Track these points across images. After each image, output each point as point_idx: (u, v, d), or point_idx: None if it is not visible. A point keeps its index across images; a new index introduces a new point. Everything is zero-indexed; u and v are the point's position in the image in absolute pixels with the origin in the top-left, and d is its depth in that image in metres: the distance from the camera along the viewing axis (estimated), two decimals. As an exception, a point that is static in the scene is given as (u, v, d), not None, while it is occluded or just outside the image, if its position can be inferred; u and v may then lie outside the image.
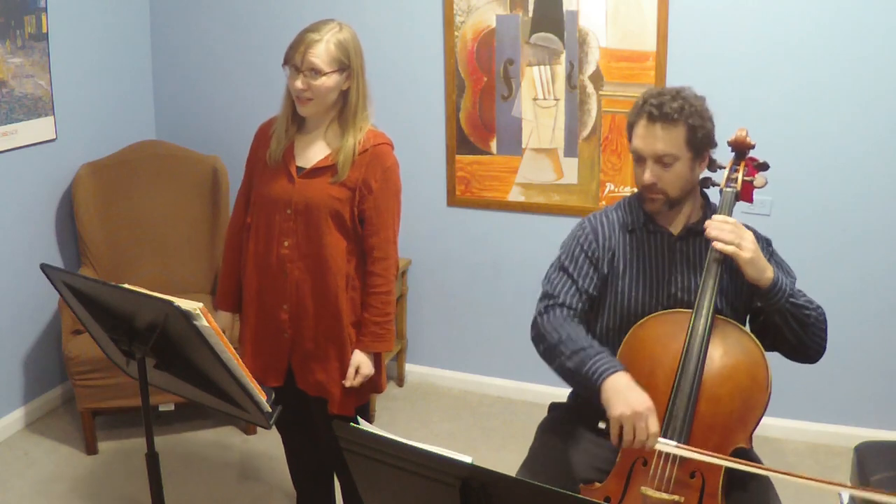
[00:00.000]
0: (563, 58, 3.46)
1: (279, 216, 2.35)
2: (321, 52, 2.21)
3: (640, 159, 1.99)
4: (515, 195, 3.66)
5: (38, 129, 3.50)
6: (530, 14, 3.46)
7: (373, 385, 2.48)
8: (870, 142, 3.18)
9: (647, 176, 1.96)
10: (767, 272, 1.88)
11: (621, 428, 1.77)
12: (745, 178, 2.04)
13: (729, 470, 1.81)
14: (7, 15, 3.29)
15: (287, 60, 2.25)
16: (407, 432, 3.39)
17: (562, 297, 2.04)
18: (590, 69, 3.43)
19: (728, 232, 1.88)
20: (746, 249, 1.86)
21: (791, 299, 1.91)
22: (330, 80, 2.24)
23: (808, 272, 3.31)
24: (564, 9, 3.40)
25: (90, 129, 3.79)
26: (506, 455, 3.18)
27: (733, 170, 2.05)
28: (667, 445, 1.78)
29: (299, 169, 2.35)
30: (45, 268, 1.91)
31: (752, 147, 2.07)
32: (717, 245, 1.88)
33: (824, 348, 2.02)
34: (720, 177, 2.07)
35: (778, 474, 1.78)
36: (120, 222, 3.70)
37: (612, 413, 1.78)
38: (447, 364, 3.97)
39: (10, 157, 3.40)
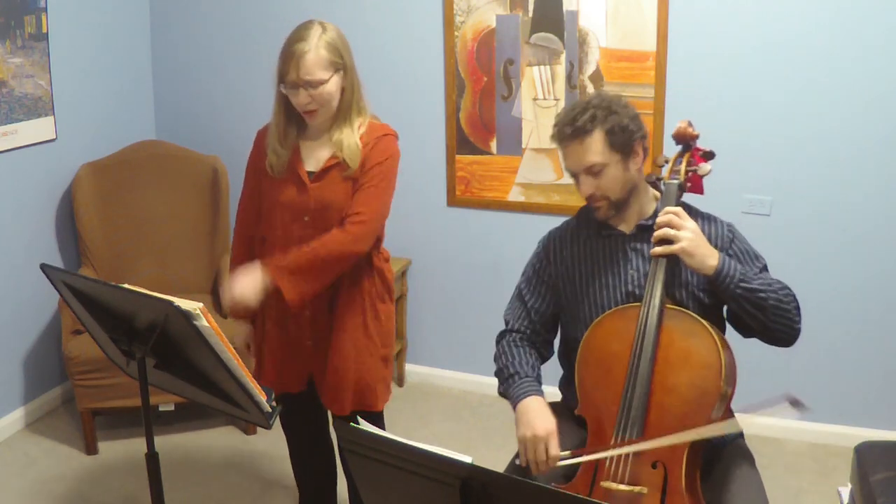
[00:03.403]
0: (563, 58, 3.46)
1: (296, 225, 2.31)
2: (314, 61, 2.18)
3: (574, 175, 2.05)
4: (515, 195, 3.66)
5: (38, 129, 3.50)
6: (530, 14, 3.46)
7: (369, 397, 2.43)
8: (870, 142, 3.17)
9: (585, 188, 2.02)
10: (709, 260, 1.87)
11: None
12: (689, 169, 2.04)
13: (693, 455, 1.81)
14: (7, 15, 3.29)
15: (282, 78, 2.21)
16: (407, 432, 3.39)
17: (511, 322, 2.19)
18: (590, 69, 3.43)
19: (660, 228, 1.90)
20: (679, 240, 1.87)
21: (742, 284, 1.88)
22: (331, 86, 2.22)
23: (808, 272, 3.32)
24: (564, 9, 3.40)
25: (90, 129, 3.79)
26: (506, 455, 3.17)
27: (677, 162, 2.07)
28: (568, 460, 1.88)
29: (310, 174, 2.30)
30: (45, 268, 1.92)
31: (696, 137, 2.07)
32: (653, 250, 1.93)
33: (796, 331, 1.97)
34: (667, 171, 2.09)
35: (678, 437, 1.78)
36: (120, 222, 3.70)
37: (517, 434, 1.94)
38: (447, 364, 3.97)
39: (10, 157, 3.40)
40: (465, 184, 3.72)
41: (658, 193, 2.11)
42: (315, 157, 2.32)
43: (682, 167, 2.04)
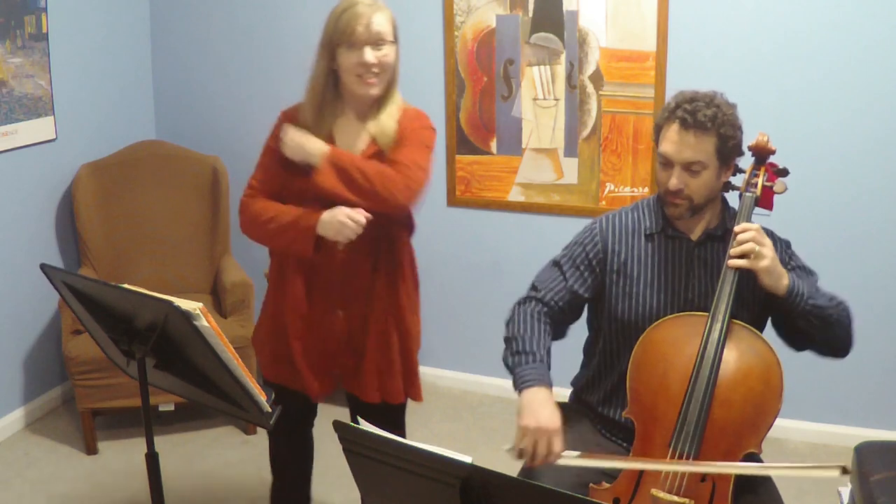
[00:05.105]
0: (563, 58, 3.46)
1: None
2: (385, 19, 2.12)
3: (667, 164, 1.97)
4: (515, 195, 3.66)
5: (38, 129, 3.50)
6: (530, 14, 3.46)
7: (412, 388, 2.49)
8: (870, 141, 3.17)
9: (674, 182, 1.95)
10: (783, 280, 1.88)
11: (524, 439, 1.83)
12: (765, 184, 2.02)
13: (739, 473, 1.81)
14: (7, 15, 3.29)
15: (347, 37, 2.09)
16: (407, 432, 3.39)
17: (543, 291, 2.07)
18: (590, 69, 3.43)
19: (746, 243, 1.86)
20: (763, 258, 1.85)
21: (811, 301, 1.90)
22: (394, 51, 2.15)
23: (808, 272, 3.32)
24: (564, 9, 3.40)
25: (90, 129, 3.79)
26: (506, 455, 3.18)
27: (753, 174, 2.03)
28: (570, 459, 1.83)
29: None
30: (45, 268, 1.91)
31: (773, 152, 2.05)
32: (732, 262, 1.87)
33: (852, 342, 2.01)
34: (739, 181, 2.06)
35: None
36: (120, 222, 3.70)
37: (519, 422, 1.85)
38: (447, 364, 3.97)
39: (10, 157, 3.40)
40: (465, 184, 3.72)
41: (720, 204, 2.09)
42: (349, 144, 2.22)
43: (759, 181, 2.02)
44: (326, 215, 2.13)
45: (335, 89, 2.21)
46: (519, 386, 1.92)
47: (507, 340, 2.04)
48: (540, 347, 1.98)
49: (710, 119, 1.91)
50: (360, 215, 2.12)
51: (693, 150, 1.92)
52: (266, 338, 2.42)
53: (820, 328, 1.93)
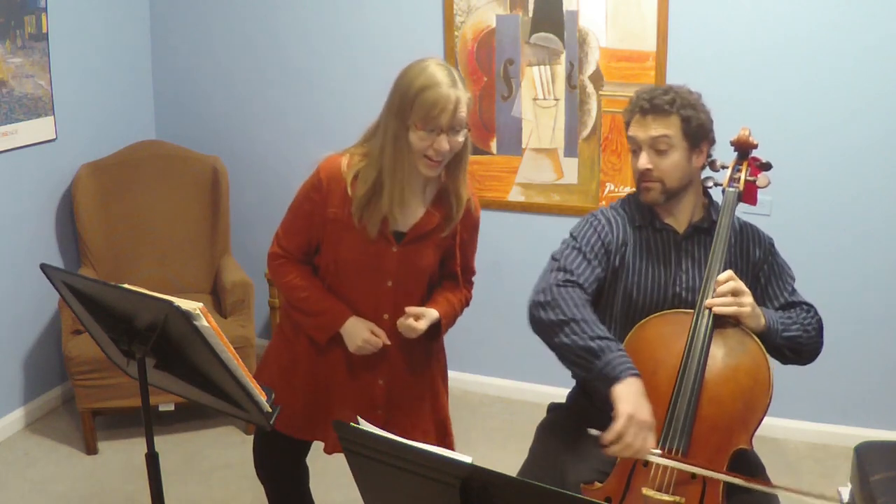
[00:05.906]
0: (563, 58, 3.46)
1: (377, 288, 2.15)
2: (465, 104, 2.03)
3: (636, 149, 2.01)
4: (515, 195, 3.66)
5: (38, 129, 3.50)
6: (530, 14, 3.46)
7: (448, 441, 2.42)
8: (869, 141, 3.18)
9: (643, 161, 1.99)
10: (760, 320, 1.93)
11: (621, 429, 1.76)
12: (748, 179, 2.04)
13: (731, 469, 1.81)
14: (7, 15, 3.29)
15: (427, 122, 1.98)
16: (407, 432, 3.38)
17: (580, 278, 1.99)
18: (590, 69, 3.44)
19: (727, 294, 1.90)
20: (746, 305, 1.90)
21: (784, 334, 1.96)
22: (464, 134, 2.07)
23: (807, 272, 3.31)
24: (564, 9, 3.41)
25: (90, 129, 3.79)
26: (506, 455, 3.18)
27: (735, 169, 2.06)
28: (655, 457, 1.78)
29: (397, 235, 2.12)
30: (45, 268, 1.91)
31: (755, 147, 2.08)
32: (718, 309, 1.89)
33: (820, 351, 2.07)
34: (723, 177, 2.08)
35: (773, 489, 1.80)
36: (120, 222, 3.70)
37: (623, 410, 1.76)
38: (448, 364, 3.96)
39: (10, 157, 3.40)
40: (465, 184, 3.72)
41: (704, 199, 2.11)
42: (406, 215, 2.12)
43: (742, 176, 2.04)
44: (350, 328, 2.15)
45: (407, 160, 2.07)
46: (617, 372, 1.80)
47: (567, 322, 1.89)
48: (609, 333, 1.90)
49: (669, 103, 1.96)
50: (381, 341, 2.15)
51: (659, 127, 1.97)
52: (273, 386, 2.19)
53: (790, 355, 2.01)
